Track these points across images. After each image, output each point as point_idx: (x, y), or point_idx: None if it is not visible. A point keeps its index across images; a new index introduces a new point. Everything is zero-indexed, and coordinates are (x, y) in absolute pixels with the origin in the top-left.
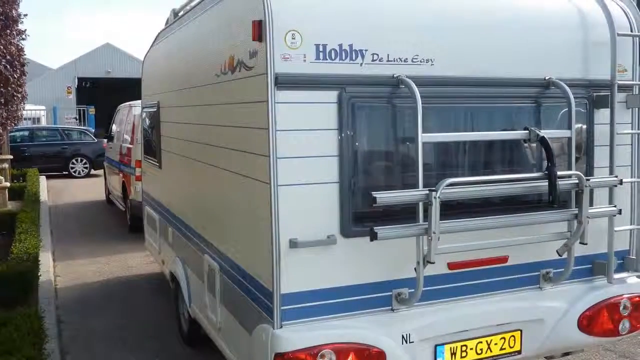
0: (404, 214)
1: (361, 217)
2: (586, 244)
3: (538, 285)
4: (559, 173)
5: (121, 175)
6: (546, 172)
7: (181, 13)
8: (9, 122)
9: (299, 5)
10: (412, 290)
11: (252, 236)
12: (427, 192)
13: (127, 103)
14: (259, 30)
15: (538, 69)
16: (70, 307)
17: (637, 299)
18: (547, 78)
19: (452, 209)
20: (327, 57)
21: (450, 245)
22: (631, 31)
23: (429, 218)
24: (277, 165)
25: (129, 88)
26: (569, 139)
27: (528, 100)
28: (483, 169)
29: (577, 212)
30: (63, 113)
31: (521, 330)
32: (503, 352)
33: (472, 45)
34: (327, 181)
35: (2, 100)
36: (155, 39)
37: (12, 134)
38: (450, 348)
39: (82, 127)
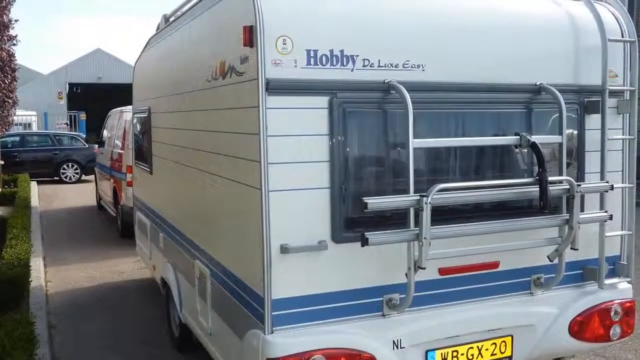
0: (395, 220)
1: (352, 222)
2: (577, 249)
3: (529, 291)
4: (550, 178)
5: (112, 180)
6: (537, 177)
7: (172, 19)
8: (0, 127)
9: (290, 10)
10: (403, 295)
11: (243, 241)
12: (418, 197)
13: (118, 108)
14: (249, 36)
15: (529, 75)
16: (62, 313)
17: (628, 304)
18: (538, 83)
19: (443, 215)
20: (318, 63)
21: (442, 251)
22: (622, 37)
23: (420, 224)
24: (268, 171)
25: (120, 93)
26: (560, 144)
27: (519, 106)
28: (474, 174)
29: (568, 217)
30: (54, 118)
31: (512, 336)
32: (494, 357)
33: (463, 51)
34: (318, 187)
35: None
36: (146, 44)
37: (3, 139)
38: (442, 353)
39: (73, 133)
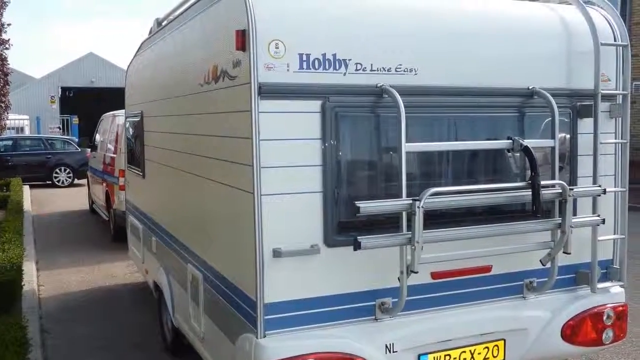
0: (387, 224)
1: (345, 226)
2: (569, 253)
3: (522, 295)
4: (542, 182)
5: (105, 184)
6: (530, 181)
7: (165, 22)
8: None
9: (282, 14)
10: (396, 299)
11: (236, 245)
12: (411, 201)
13: (111, 112)
14: (242, 40)
15: (522, 79)
16: (54, 316)
17: (621, 308)
18: (530, 87)
19: (436, 219)
20: (311, 67)
21: (434, 255)
22: (614, 41)
23: (413, 228)
24: (261, 175)
25: (113, 97)
26: (553, 148)
27: (512, 110)
28: (467, 178)
29: (560, 221)
30: (47, 122)
31: (505, 340)
32: None
33: (456, 55)
34: (311, 190)
35: None
36: (139, 48)
37: None
38: (434, 358)
39: (66, 137)
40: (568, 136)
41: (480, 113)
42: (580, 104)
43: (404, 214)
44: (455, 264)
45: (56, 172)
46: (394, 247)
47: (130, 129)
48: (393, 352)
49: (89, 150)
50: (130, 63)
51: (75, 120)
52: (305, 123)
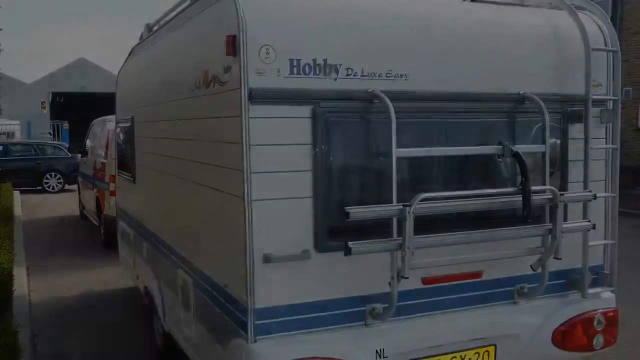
0: (378, 229)
1: (335, 232)
2: (560, 259)
3: (512, 300)
4: (533, 188)
5: (95, 190)
6: (520, 187)
7: (155, 28)
8: None
9: (273, 20)
10: (386, 305)
11: (226, 250)
12: (401, 207)
13: (102, 118)
14: (233, 45)
15: (512, 84)
16: (45, 322)
17: (611, 313)
18: (521, 93)
19: (427, 224)
20: (301, 72)
21: (425, 260)
22: (605, 46)
23: (403, 233)
24: (251, 180)
25: (104, 103)
26: (543, 153)
27: (502, 115)
28: (457, 183)
29: (551, 227)
30: (37, 128)
31: (495, 345)
32: None
33: (446, 61)
34: (301, 196)
35: None
36: (130, 53)
37: None
38: None
39: (56, 142)
40: (559, 141)
41: (471, 118)
42: (571, 109)
43: (395, 220)
44: (446, 269)
45: (47, 178)
46: (385, 252)
47: (121, 134)
48: (384, 357)
49: (79, 155)
50: (121, 68)
51: (65, 125)
52: (296, 128)
